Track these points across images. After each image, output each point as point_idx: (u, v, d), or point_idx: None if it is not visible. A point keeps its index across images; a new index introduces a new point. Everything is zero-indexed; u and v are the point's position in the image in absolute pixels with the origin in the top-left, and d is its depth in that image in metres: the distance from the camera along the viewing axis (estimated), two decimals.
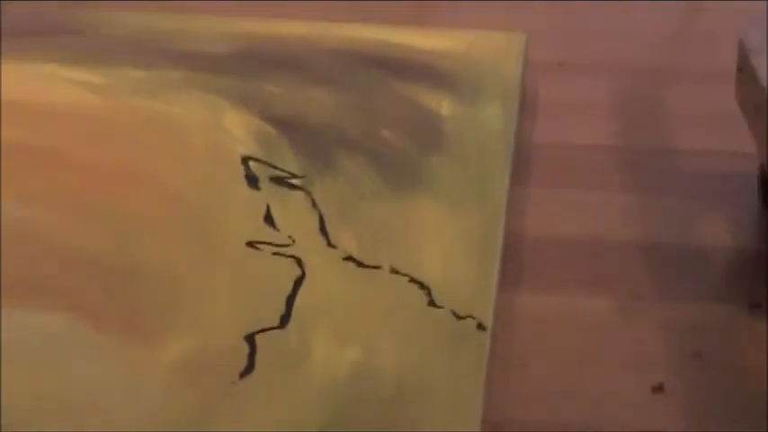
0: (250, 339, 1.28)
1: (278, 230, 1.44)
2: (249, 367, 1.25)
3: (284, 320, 1.31)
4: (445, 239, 1.44)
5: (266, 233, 1.43)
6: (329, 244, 1.42)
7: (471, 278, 1.38)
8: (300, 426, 1.19)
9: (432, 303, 1.34)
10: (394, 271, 1.38)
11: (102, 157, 1.54)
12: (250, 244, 1.41)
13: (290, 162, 1.54)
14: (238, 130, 1.59)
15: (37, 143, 1.56)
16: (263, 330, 1.30)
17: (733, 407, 1.28)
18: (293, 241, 1.42)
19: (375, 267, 1.39)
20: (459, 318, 1.32)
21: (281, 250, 1.40)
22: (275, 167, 1.53)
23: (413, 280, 1.37)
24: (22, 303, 1.32)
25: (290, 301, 1.34)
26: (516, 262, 1.47)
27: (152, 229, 1.43)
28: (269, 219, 1.45)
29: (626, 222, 1.54)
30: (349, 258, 1.40)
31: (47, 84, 1.67)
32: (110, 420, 1.19)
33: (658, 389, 1.31)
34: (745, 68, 1.55)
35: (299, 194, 1.49)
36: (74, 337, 1.28)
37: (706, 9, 1.99)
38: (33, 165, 1.52)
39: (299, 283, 1.36)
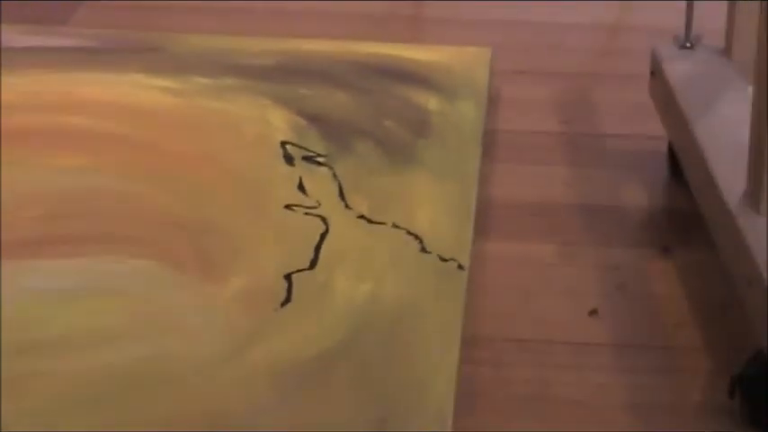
0: (288, 278, 1.29)
1: (308, 196, 1.44)
2: (288, 298, 1.26)
3: (313, 263, 1.32)
4: (432, 202, 1.44)
5: (299, 198, 1.44)
6: (346, 206, 1.43)
7: (452, 231, 1.39)
8: (326, 340, 1.20)
9: (423, 250, 1.35)
10: (395, 226, 1.39)
11: (177, 144, 1.55)
12: (287, 206, 1.42)
13: (317, 145, 1.55)
14: (278, 122, 1.60)
15: (128, 133, 1.56)
16: (297, 271, 1.31)
17: (649, 325, 1.29)
18: (319, 204, 1.43)
19: (381, 223, 1.40)
20: (443, 260, 1.34)
21: (311, 211, 1.41)
22: (306, 149, 1.54)
23: (409, 233, 1.38)
24: (120, 251, 1.34)
25: (317, 249, 1.35)
26: (486, 219, 1.47)
27: (216, 196, 1.44)
28: (301, 187, 1.46)
29: (567, 188, 1.55)
30: (361, 217, 1.41)
31: (135, 89, 1.67)
32: (187, 337, 1.21)
33: (593, 312, 1.31)
34: (657, 72, 1.56)
35: (323, 170, 1.50)
36: (160, 277, 1.30)
37: (622, 29, 1.99)
38: (128, 149, 1.53)
39: (323, 235, 1.37)
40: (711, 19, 1.56)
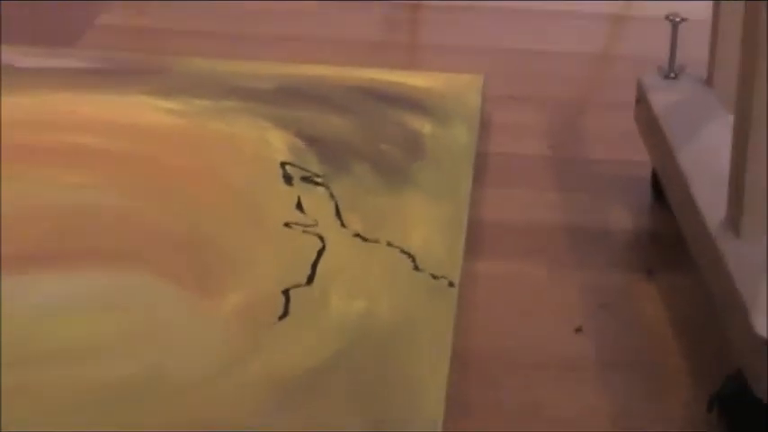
0: (285, 293, 1.30)
1: (306, 215, 1.45)
2: (285, 313, 1.27)
3: (310, 279, 1.33)
4: (425, 222, 1.45)
5: (297, 217, 1.44)
6: (342, 225, 1.43)
7: (444, 250, 1.39)
8: (322, 352, 1.20)
9: (416, 268, 1.36)
10: (389, 244, 1.40)
11: (178, 163, 1.55)
12: (286, 224, 1.43)
13: (315, 166, 1.55)
14: (278, 143, 1.60)
15: (131, 152, 1.56)
16: (295, 286, 1.31)
17: (633, 343, 1.30)
18: (316, 223, 1.43)
19: (375, 242, 1.40)
20: (435, 278, 1.34)
21: (308, 229, 1.42)
22: (304, 170, 1.54)
23: (402, 251, 1.38)
24: (120, 267, 1.34)
25: (314, 265, 1.35)
26: (476, 239, 1.47)
27: (216, 214, 1.44)
28: (299, 206, 1.46)
29: (554, 211, 1.55)
30: (356, 235, 1.41)
31: (138, 110, 1.67)
32: (185, 351, 1.21)
33: (579, 330, 1.32)
34: (642, 100, 1.57)
35: (321, 190, 1.50)
36: (158, 292, 1.30)
37: (609, 58, 2.00)
38: (130, 168, 1.53)
39: (320, 252, 1.37)
40: (694, 50, 1.56)
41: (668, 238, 1.47)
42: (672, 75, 1.57)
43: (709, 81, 1.53)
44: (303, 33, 2.01)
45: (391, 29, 2.06)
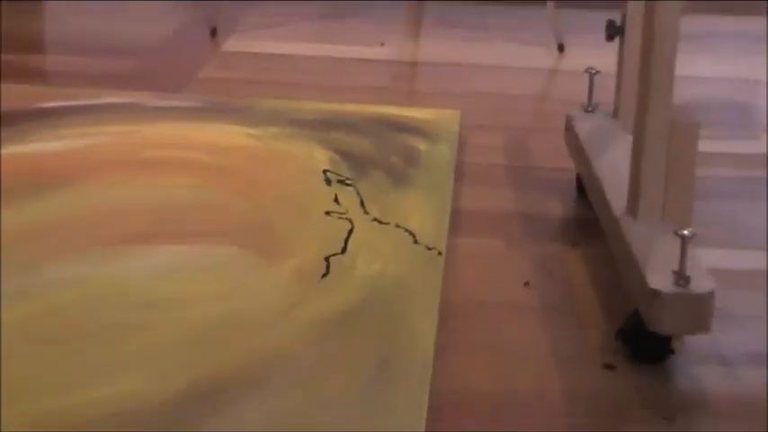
0: (327, 259, 1.29)
1: (340, 206, 1.44)
2: (326, 273, 1.26)
3: (343, 250, 1.32)
4: (421, 210, 1.44)
5: (334, 207, 1.44)
6: (365, 212, 1.42)
7: (434, 229, 1.39)
8: (351, 301, 1.20)
9: (415, 242, 1.35)
10: (396, 226, 1.39)
11: (254, 170, 1.54)
12: (327, 212, 1.42)
13: (346, 172, 1.55)
14: (321, 157, 1.60)
15: (222, 163, 1.56)
16: (333, 255, 1.30)
17: (563, 292, 1.29)
18: (347, 211, 1.42)
19: (387, 224, 1.40)
20: (428, 249, 1.33)
21: (342, 216, 1.41)
22: (339, 175, 1.54)
23: (406, 230, 1.38)
24: (213, 241, 1.33)
25: (346, 240, 1.34)
26: (456, 221, 1.46)
27: (279, 205, 1.44)
28: (336, 200, 1.46)
29: (509, 203, 1.54)
30: (374, 220, 1.41)
31: (228, 134, 1.68)
32: (259, 299, 1.20)
33: (527, 284, 1.31)
34: (569, 127, 1.56)
35: (350, 189, 1.49)
36: (240, 259, 1.30)
37: (550, 99, 1.99)
38: (222, 174, 1.52)
39: (350, 232, 1.37)
40: (606, 93, 1.56)
41: (587, 221, 1.46)
42: (590, 109, 1.57)
43: (615, 114, 1.53)
44: (337, 83, 2.01)
45: (397, 79, 2.06)
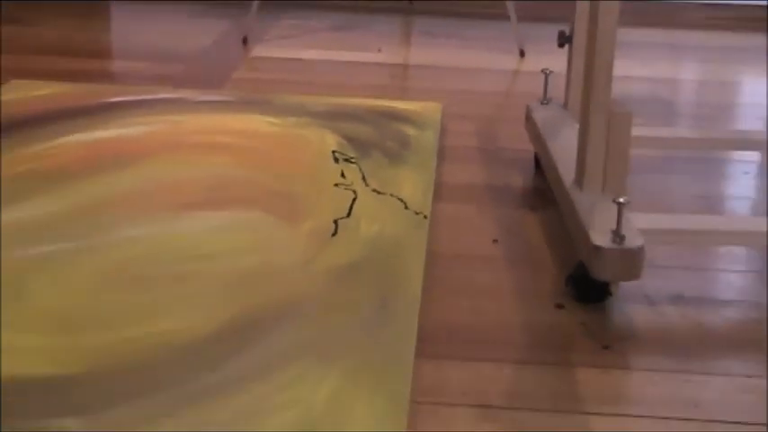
0: (335, 222, 1.29)
1: (346, 179, 1.43)
2: (335, 233, 1.26)
3: (349, 214, 1.31)
4: (411, 183, 1.43)
5: (341, 180, 1.43)
6: (366, 185, 1.42)
7: (421, 198, 1.38)
8: (355, 255, 1.19)
9: (406, 208, 1.34)
10: (391, 195, 1.38)
11: (276, 151, 1.53)
12: (336, 185, 1.41)
13: (350, 153, 1.53)
14: (331, 140, 1.58)
15: (249, 145, 1.55)
16: (340, 218, 1.30)
17: (523, 248, 1.29)
18: (352, 183, 1.42)
19: (384, 194, 1.39)
20: (416, 214, 1.33)
21: (347, 187, 1.40)
22: (345, 154, 1.52)
23: (398, 199, 1.37)
24: (244, 207, 1.33)
25: (350, 207, 1.34)
26: (439, 191, 1.45)
27: (297, 179, 1.42)
28: (342, 175, 1.45)
29: (480, 177, 1.52)
30: (374, 191, 1.40)
31: (255, 122, 1.65)
32: (282, 253, 1.20)
33: (495, 241, 1.30)
34: (529, 116, 1.55)
35: (354, 166, 1.48)
36: (266, 221, 1.29)
37: (514, 94, 1.98)
38: (249, 154, 1.51)
39: (354, 200, 1.36)
40: (557, 90, 1.55)
41: (543, 191, 1.46)
42: (545, 102, 1.55)
43: (565, 106, 1.52)
44: (343, 81, 2.00)
45: (392, 78, 2.04)
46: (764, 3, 2.51)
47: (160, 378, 0.95)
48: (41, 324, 1.03)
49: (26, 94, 1.76)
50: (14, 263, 1.15)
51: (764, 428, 0.93)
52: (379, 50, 2.22)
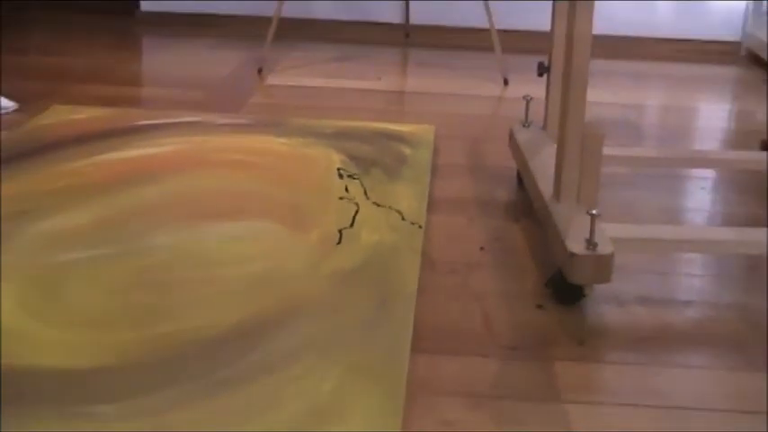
0: (340, 231, 1.28)
1: (349, 193, 1.43)
2: (339, 241, 1.25)
3: (351, 225, 1.31)
4: (408, 196, 1.42)
5: (345, 195, 1.42)
6: (367, 198, 1.41)
7: (417, 210, 1.37)
8: (357, 261, 1.19)
9: (402, 219, 1.34)
10: (389, 207, 1.38)
11: (286, 167, 1.53)
12: (340, 198, 1.41)
13: (353, 169, 1.53)
14: (335, 158, 1.58)
15: (262, 162, 1.54)
16: (344, 228, 1.29)
17: (508, 255, 1.29)
18: (355, 197, 1.41)
19: (383, 206, 1.38)
20: (412, 224, 1.32)
21: (350, 200, 1.40)
22: (348, 171, 1.52)
23: (396, 211, 1.37)
24: (256, 218, 1.32)
25: (353, 218, 1.33)
26: (432, 204, 1.45)
27: (305, 193, 1.42)
28: (346, 189, 1.44)
29: (469, 191, 1.52)
30: (374, 203, 1.39)
31: (267, 143, 1.65)
32: (291, 259, 1.19)
33: (482, 248, 1.30)
34: (512, 137, 1.55)
35: (357, 181, 1.48)
36: (276, 230, 1.28)
37: (498, 117, 1.98)
38: (262, 170, 1.51)
39: (356, 212, 1.36)
40: (537, 114, 1.55)
41: (525, 204, 1.45)
42: (526, 125, 1.55)
43: (544, 128, 1.52)
44: (347, 106, 1.99)
45: (390, 103, 2.04)
46: (721, 39, 2.53)
47: (184, 370, 0.94)
48: (78, 321, 1.03)
49: (65, 117, 1.76)
50: (55, 267, 1.15)
51: (718, 413, 0.93)
52: (379, 79, 2.22)
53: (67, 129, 1.69)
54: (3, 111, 1.78)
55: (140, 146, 1.62)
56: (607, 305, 1.15)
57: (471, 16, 2.57)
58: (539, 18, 2.56)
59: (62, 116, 1.77)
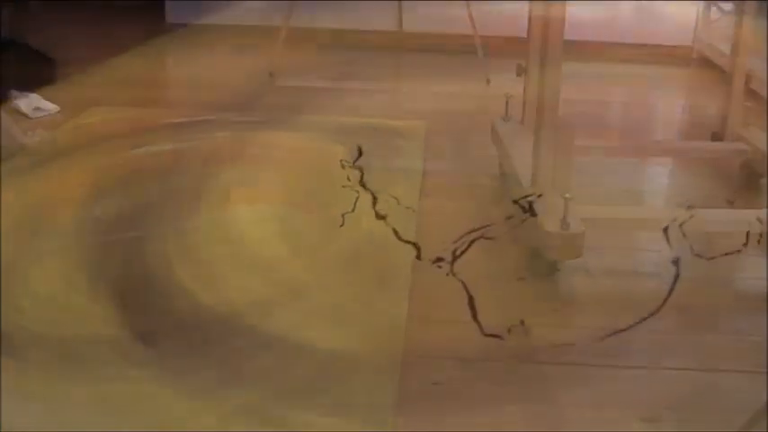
0: (343, 216, 1.27)
1: (350, 182, 1.41)
2: (342, 224, 1.24)
3: (353, 209, 1.29)
4: (402, 184, 1.41)
5: (347, 183, 1.40)
6: (365, 188, 1.39)
7: (411, 195, 1.37)
8: (358, 241, 1.18)
9: (398, 203, 1.32)
10: (386, 193, 1.36)
11: (296, 159, 1.52)
12: (343, 186, 1.39)
13: (354, 160, 1.53)
14: (339, 151, 1.56)
15: (277, 155, 1.53)
16: (346, 213, 1.28)
17: (492, 235, 1.27)
18: (356, 185, 1.40)
19: (380, 192, 1.36)
20: (407, 208, 1.31)
21: (352, 188, 1.38)
22: (350, 162, 1.51)
23: (393, 197, 1.35)
24: (274, 201, 1.32)
25: (355, 203, 1.31)
26: (424, 190, 1.43)
27: (313, 180, 1.41)
28: (348, 178, 1.42)
29: (457, 178, 1.51)
30: (373, 190, 1.37)
31: (280, 137, 1.64)
32: (302, 236, 1.19)
33: (472, 230, 1.29)
34: (494, 130, 1.54)
35: (357, 171, 1.45)
36: (290, 213, 1.28)
37: (480, 114, 1.97)
38: (277, 161, 1.49)
39: (357, 198, 1.33)
40: (516, 109, 1.53)
41: (506, 188, 1.43)
42: (506, 119, 1.54)
43: (522, 122, 1.51)
44: (349, 104, 1.98)
45: (386, 102, 2.03)
46: (674, 43, 2.55)
47: (209, 337, 0.94)
48: (118, 293, 1.02)
49: (103, 117, 1.75)
50: (99, 247, 1.14)
51: (674, 371, 0.93)
52: (377, 79, 2.21)
53: (106, 127, 1.68)
54: (45, 112, 1.77)
55: (169, 141, 1.61)
56: (577, 277, 1.14)
57: (457, 24, 2.57)
58: (517, 25, 2.54)
59: (100, 116, 1.76)
